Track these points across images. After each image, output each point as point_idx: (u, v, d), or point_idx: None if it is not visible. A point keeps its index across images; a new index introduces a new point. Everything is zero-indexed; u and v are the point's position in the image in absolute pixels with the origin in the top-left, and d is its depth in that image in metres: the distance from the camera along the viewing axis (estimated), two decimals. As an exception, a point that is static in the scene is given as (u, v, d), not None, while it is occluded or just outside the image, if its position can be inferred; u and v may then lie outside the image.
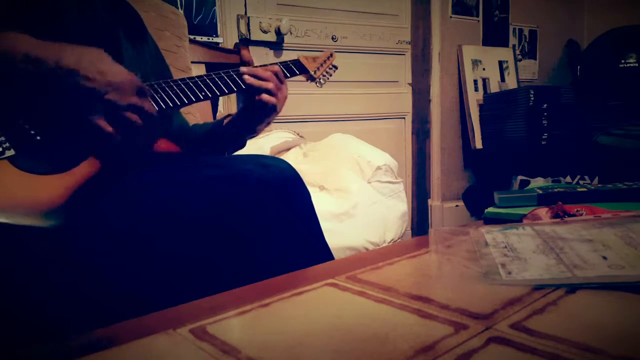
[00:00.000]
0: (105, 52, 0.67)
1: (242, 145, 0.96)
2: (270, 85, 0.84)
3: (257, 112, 0.87)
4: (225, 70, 0.85)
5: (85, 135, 0.66)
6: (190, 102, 0.80)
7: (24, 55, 0.61)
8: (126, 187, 0.70)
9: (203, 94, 0.81)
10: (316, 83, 1.05)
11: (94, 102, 0.64)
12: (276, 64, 0.91)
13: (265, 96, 0.84)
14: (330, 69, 1.07)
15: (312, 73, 1.02)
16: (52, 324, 0.57)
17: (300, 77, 1.02)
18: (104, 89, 0.64)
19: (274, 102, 0.85)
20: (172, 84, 0.78)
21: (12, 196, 0.60)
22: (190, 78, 0.81)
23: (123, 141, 0.67)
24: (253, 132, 0.92)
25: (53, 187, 0.63)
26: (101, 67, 0.65)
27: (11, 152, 0.62)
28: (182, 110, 0.99)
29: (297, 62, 0.99)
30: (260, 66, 0.89)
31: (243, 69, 0.85)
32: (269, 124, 0.91)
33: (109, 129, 0.65)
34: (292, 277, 0.54)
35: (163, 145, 0.85)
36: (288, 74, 0.95)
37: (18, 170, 0.62)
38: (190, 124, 1.02)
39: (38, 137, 0.65)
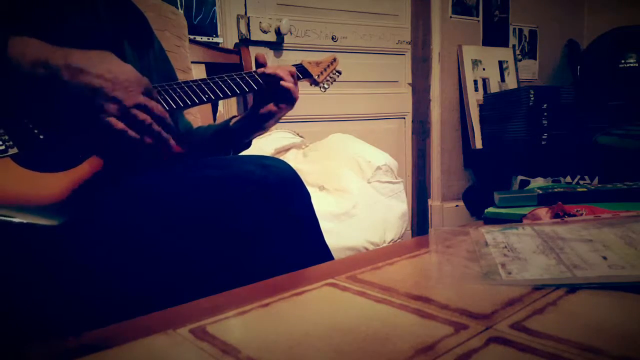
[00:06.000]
0: (113, 54, 0.68)
1: (249, 145, 0.97)
2: (293, 81, 0.90)
3: (275, 101, 0.89)
4: (247, 72, 0.88)
5: (92, 133, 0.66)
6: (210, 101, 0.82)
7: (34, 59, 0.61)
8: (128, 186, 0.70)
9: (230, 91, 0.84)
10: (320, 87, 1.06)
11: (101, 99, 0.64)
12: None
13: (288, 84, 0.87)
14: (333, 74, 1.08)
15: (316, 77, 1.02)
16: (52, 323, 0.57)
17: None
18: (110, 86, 0.65)
19: (292, 88, 0.88)
20: (183, 85, 0.79)
21: (15, 193, 0.60)
22: (210, 78, 0.83)
23: (138, 140, 0.67)
24: (262, 129, 0.94)
25: (55, 184, 0.63)
26: (109, 66, 0.66)
27: (14, 150, 0.62)
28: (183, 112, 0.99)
29: (300, 67, 1.00)
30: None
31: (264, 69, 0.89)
32: (277, 121, 0.93)
33: (120, 125, 0.65)
34: (292, 277, 0.54)
35: None
36: None
37: (21, 167, 0.62)
38: (194, 127, 1.02)
39: (41, 136, 0.65)
